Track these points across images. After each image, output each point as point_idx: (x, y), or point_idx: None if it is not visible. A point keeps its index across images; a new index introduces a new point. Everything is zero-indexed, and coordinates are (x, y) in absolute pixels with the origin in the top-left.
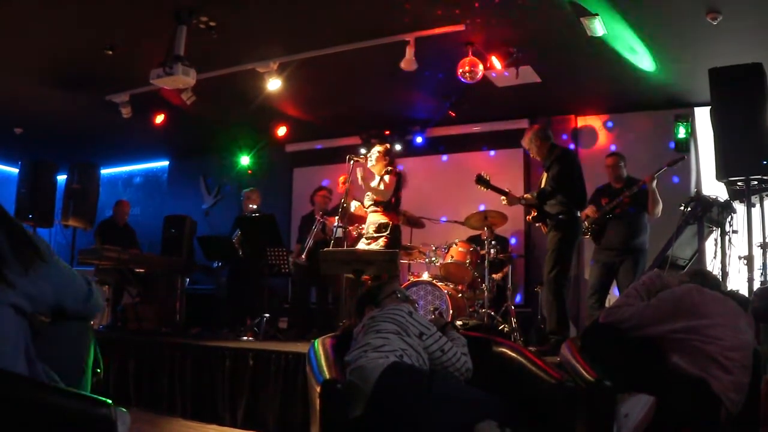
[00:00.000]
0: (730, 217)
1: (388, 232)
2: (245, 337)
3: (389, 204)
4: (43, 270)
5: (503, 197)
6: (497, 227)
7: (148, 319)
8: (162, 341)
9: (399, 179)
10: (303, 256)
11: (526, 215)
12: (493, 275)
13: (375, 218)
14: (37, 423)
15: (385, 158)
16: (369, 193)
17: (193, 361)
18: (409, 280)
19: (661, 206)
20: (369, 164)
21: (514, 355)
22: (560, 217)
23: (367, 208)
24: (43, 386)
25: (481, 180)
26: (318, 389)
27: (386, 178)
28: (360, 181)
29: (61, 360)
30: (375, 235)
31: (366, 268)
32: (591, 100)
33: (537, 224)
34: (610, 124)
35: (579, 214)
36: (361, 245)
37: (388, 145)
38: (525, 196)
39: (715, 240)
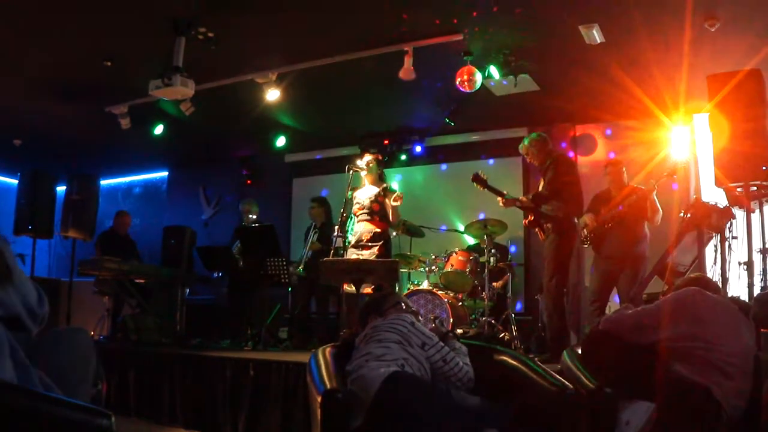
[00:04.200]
0: (729, 223)
1: (382, 241)
2: (246, 347)
3: (383, 214)
4: (13, 277)
5: (499, 198)
6: (497, 236)
7: (148, 330)
8: (162, 352)
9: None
10: (300, 267)
11: (524, 219)
12: (493, 283)
13: (368, 227)
14: None
15: (379, 168)
16: (359, 202)
17: (193, 371)
18: (409, 289)
19: (660, 215)
20: (362, 173)
21: (514, 363)
22: (557, 222)
23: (358, 216)
24: (44, 397)
25: (478, 178)
26: (319, 399)
27: (390, 200)
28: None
29: (61, 370)
30: (369, 244)
31: (366, 278)
32: (589, 108)
33: (535, 229)
34: (608, 131)
35: (576, 221)
36: (353, 254)
37: (379, 156)
38: (521, 198)
39: (715, 246)
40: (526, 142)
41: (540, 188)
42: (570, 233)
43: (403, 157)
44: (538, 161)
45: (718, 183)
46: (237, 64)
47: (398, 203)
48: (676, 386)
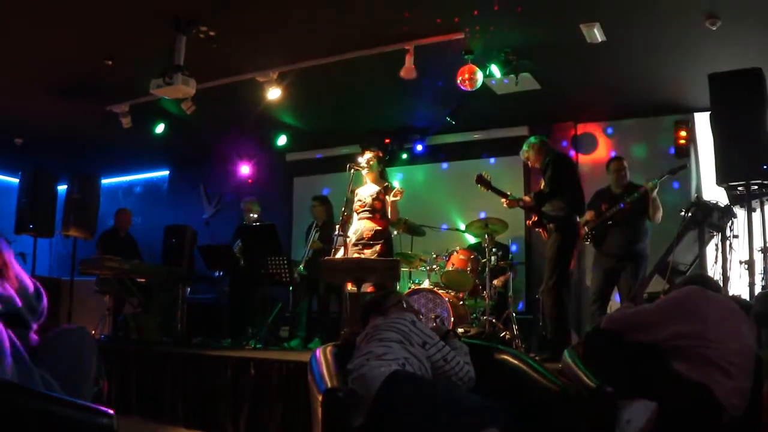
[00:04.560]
0: (730, 221)
1: (383, 240)
2: (247, 346)
3: (384, 212)
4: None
5: (503, 199)
6: (498, 234)
7: (149, 329)
8: (163, 351)
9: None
10: (301, 266)
11: (526, 219)
12: (494, 282)
13: (369, 225)
14: None
15: (380, 166)
16: (360, 199)
17: (194, 370)
18: (410, 288)
19: (661, 212)
20: (363, 172)
21: (515, 362)
22: (558, 222)
23: (360, 214)
24: (45, 396)
25: (481, 180)
26: (320, 398)
27: (390, 196)
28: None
29: (63, 369)
30: (370, 242)
31: (367, 276)
32: (590, 107)
33: (537, 229)
34: (609, 130)
35: (578, 219)
36: (354, 253)
37: (380, 153)
38: (524, 198)
39: (716, 245)
40: (525, 147)
41: (542, 187)
42: (572, 232)
43: (404, 155)
44: (539, 163)
45: (719, 182)
46: (238, 63)
47: (398, 198)
48: (677, 385)
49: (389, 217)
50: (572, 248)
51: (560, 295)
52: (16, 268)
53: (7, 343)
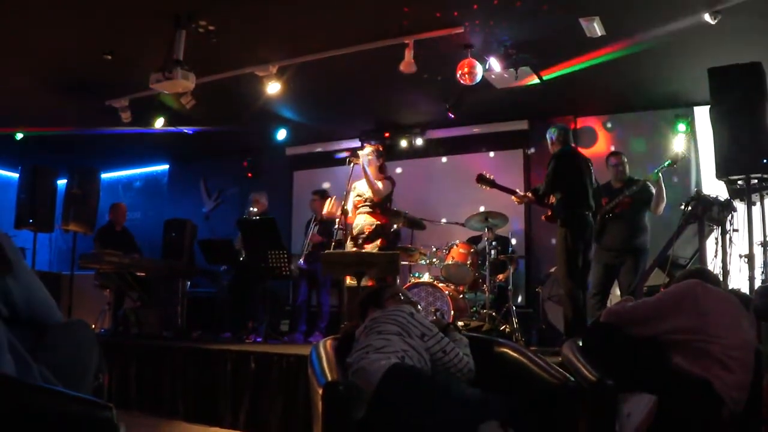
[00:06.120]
0: (730, 215)
1: (384, 234)
2: (247, 340)
3: (383, 207)
4: (15, 272)
5: (513, 196)
6: (498, 228)
7: (149, 324)
8: (163, 345)
9: (392, 185)
10: (301, 260)
11: (542, 215)
12: (497, 276)
13: (369, 220)
14: (39, 428)
15: (379, 159)
16: (360, 194)
17: (194, 364)
18: (410, 281)
19: (664, 204)
20: (363, 164)
21: (515, 355)
22: (562, 216)
23: (359, 209)
24: (44, 390)
25: (483, 179)
26: (320, 391)
27: (379, 183)
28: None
29: (63, 363)
30: (370, 237)
31: (367, 270)
32: (590, 101)
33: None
34: (609, 124)
35: (585, 213)
36: (352, 247)
37: (380, 146)
38: (527, 195)
39: (716, 239)
40: (551, 130)
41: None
42: (575, 225)
43: (404, 149)
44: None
45: (719, 175)
46: (238, 57)
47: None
48: (677, 379)
49: (388, 210)
50: (577, 241)
51: (571, 288)
52: (23, 264)
53: (4, 338)
